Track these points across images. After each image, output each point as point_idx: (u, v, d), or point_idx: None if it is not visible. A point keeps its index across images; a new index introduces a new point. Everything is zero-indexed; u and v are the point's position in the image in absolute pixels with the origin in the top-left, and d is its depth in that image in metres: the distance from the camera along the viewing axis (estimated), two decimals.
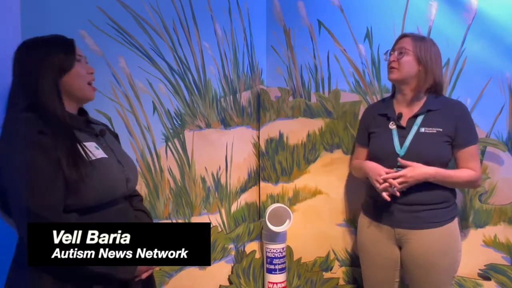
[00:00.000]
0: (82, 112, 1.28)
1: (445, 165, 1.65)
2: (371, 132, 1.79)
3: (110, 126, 1.47)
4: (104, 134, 1.27)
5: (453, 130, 1.63)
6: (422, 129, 1.64)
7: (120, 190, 1.22)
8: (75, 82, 1.17)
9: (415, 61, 1.65)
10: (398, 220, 1.66)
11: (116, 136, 1.40)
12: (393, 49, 1.71)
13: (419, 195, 1.62)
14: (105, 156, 1.20)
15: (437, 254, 1.63)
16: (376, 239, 1.74)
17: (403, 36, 1.71)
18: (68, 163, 1.07)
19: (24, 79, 1.14)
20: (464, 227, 1.95)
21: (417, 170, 1.58)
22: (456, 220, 1.69)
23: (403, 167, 1.62)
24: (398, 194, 1.59)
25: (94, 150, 1.17)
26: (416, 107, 1.68)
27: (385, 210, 1.68)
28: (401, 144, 1.66)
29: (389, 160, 1.66)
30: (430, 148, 1.62)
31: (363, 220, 1.81)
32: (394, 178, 1.59)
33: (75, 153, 1.10)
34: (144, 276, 1.21)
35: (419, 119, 1.66)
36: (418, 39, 1.68)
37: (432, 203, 1.63)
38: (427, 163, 1.61)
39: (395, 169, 1.63)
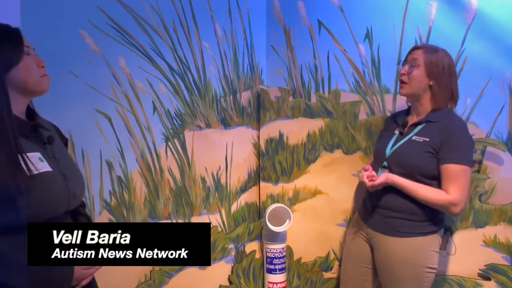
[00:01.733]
0: (30, 114, 1.14)
1: (431, 178, 1.60)
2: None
3: (59, 129, 1.29)
4: (52, 141, 1.14)
5: (438, 143, 1.57)
6: (414, 137, 1.64)
7: (63, 207, 1.11)
8: (25, 76, 1.05)
9: (426, 74, 1.61)
10: (372, 221, 1.73)
11: (66, 142, 1.28)
12: (406, 60, 1.69)
13: (394, 199, 1.64)
14: (49, 169, 1.07)
15: (397, 264, 1.63)
16: (354, 233, 1.84)
17: (415, 48, 1.68)
18: (4, 177, 0.95)
19: None
20: (464, 227, 1.95)
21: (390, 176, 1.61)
22: (431, 237, 1.63)
23: (388, 167, 1.67)
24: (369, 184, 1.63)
25: (37, 163, 1.05)
26: (422, 117, 1.68)
27: (366, 209, 1.77)
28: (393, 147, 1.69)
29: (379, 160, 1.72)
30: (410, 155, 1.61)
31: (354, 217, 1.91)
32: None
33: (14, 166, 0.97)
34: (84, 283, 1.14)
35: (418, 128, 1.66)
36: (430, 51, 1.63)
37: (403, 211, 1.62)
38: (407, 169, 1.61)
39: (380, 169, 1.70)
